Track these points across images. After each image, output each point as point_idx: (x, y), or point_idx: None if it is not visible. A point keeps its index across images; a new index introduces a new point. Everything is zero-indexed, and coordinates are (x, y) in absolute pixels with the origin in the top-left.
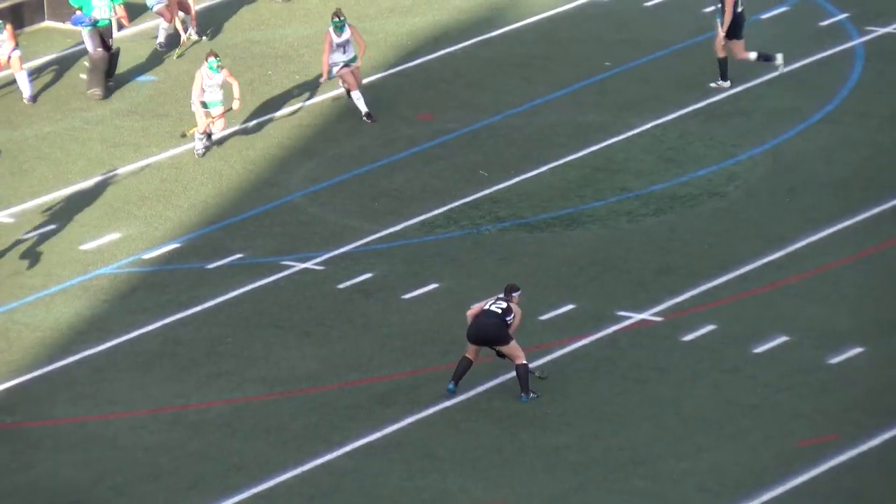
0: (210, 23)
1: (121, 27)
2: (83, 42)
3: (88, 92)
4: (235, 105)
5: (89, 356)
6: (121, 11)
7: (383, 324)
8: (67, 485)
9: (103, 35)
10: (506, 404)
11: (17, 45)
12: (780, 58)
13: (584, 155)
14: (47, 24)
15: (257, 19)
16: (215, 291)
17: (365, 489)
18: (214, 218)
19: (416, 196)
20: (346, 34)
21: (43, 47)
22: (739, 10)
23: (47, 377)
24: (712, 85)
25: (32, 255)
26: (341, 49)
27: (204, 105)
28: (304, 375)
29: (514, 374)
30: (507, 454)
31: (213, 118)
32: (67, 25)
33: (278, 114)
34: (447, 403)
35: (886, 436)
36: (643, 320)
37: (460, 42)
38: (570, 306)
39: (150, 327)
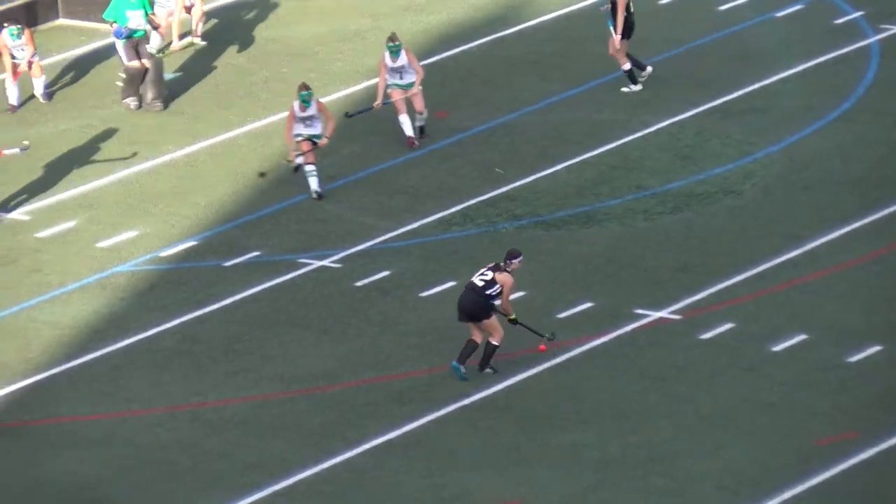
0: (226, 20)
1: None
2: (118, 54)
3: (123, 102)
4: (322, 142)
5: (107, 354)
6: (155, 19)
7: (400, 321)
8: (85, 482)
9: (139, 46)
10: (524, 402)
11: (35, 51)
12: (649, 69)
13: (601, 153)
14: (61, 21)
15: (273, 17)
16: (232, 289)
17: (384, 487)
18: (231, 216)
19: (432, 194)
20: (402, 59)
21: (57, 45)
22: (632, 10)
23: (65, 375)
24: (624, 90)
25: (50, 253)
26: (397, 74)
27: (298, 136)
28: (322, 373)
29: (531, 371)
30: (525, 452)
31: (304, 151)
32: (82, 23)
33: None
34: (465, 401)
35: None
36: (661, 318)
37: (475, 40)
38: (588, 304)
39: (168, 325)
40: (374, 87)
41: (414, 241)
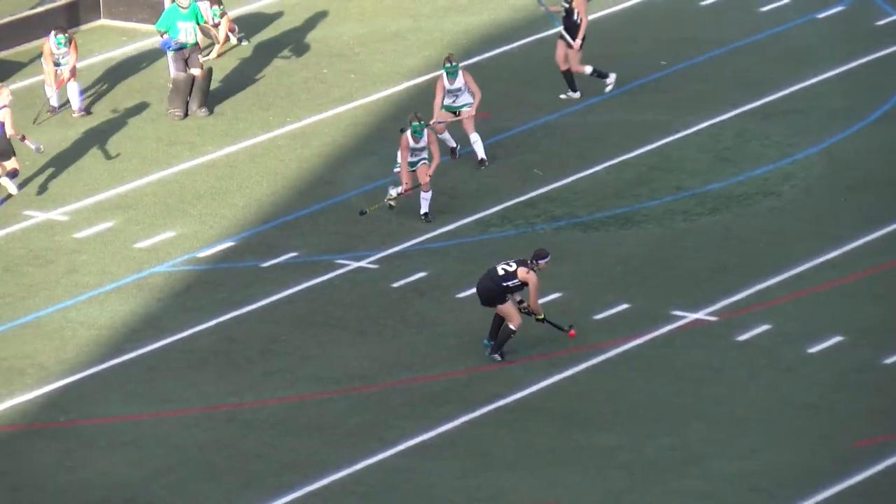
0: (266, 21)
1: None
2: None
3: (168, 112)
4: (425, 179)
5: (143, 354)
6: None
7: (437, 322)
8: (121, 483)
9: (189, 57)
10: (560, 404)
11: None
12: (613, 77)
13: (640, 154)
14: (103, 22)
15: (313, 18)
16: (270, 290)
17: (419, 488)
18: (269, 216)
19: (471, 195)
20: (459, 81)
21: (99, 45)
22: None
23: (101, 375)
24: (562, 97)
25: (87, 254)
26: (452, 96)
27: (410, 165)
28: (358, 374)
29: (567, 373)
30: (560, 453)
31: (405, 186)
32: (123, 23)
33: (333, 112)
34: (500, 403)
35: None
36: (698, 320)
37: (516, 40)
38: (625, 306)
39: (205, 325)
40: (414, 89)
41: (452, 242)
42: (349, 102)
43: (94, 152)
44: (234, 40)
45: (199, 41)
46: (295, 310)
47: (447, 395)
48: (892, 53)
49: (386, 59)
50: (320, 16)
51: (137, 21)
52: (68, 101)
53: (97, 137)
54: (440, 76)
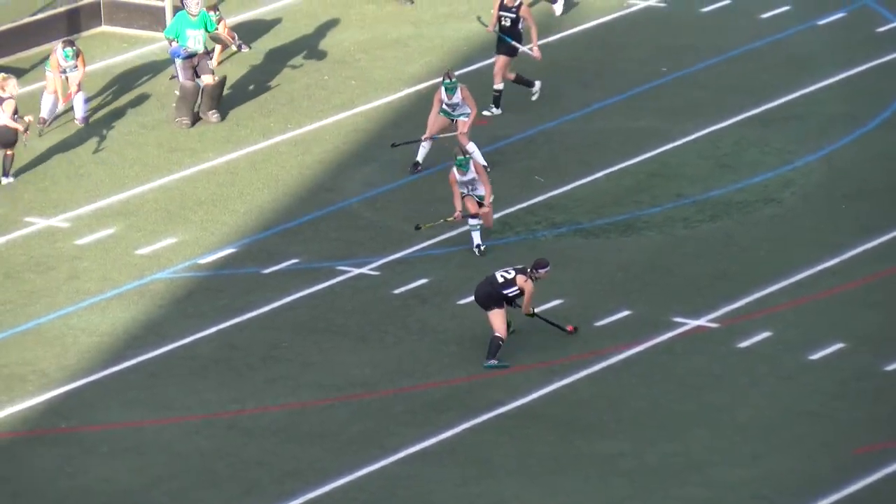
0: (267, 28)
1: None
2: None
3: (175, 120)
4: (486, 205)
5: (145, 361)
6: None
7: (439, 329)
8: (122, 490)
9: (198, 65)
10: (561, 411)
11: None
12: (538, 84)
13: (640, 161)
14: (104, 28)
15: (314, 24)
16: (271, 296)
17: (420, 495)
18: (270, 223)
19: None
20: (457, 97)
21: (100, 52)
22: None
23: (103, 382)
24: (485, 113)
25: (88, 260)
26: (450, 107)
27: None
28: (360, 381)
29: (568, 380)
30: (561, 461)
31: (455, 216)
32: (124, 30)
33: (334, 119)
34: (501, 410)
35: None
36: (699, 326)
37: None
38: (626, 312)
39: (206, 332)
40: (414, 95)
41: (453, 248)
42: (350, 109)
43: (96, 159)
44: (234, 47)
45: (208, 48)
46: (296, 316)
47: (448, 402)
48: (892, 60)
49: (387, 65)
50: (321, 22)
51: (138, 28)
52: (70, 110)
53: (98, 144)
54: (438, 89)
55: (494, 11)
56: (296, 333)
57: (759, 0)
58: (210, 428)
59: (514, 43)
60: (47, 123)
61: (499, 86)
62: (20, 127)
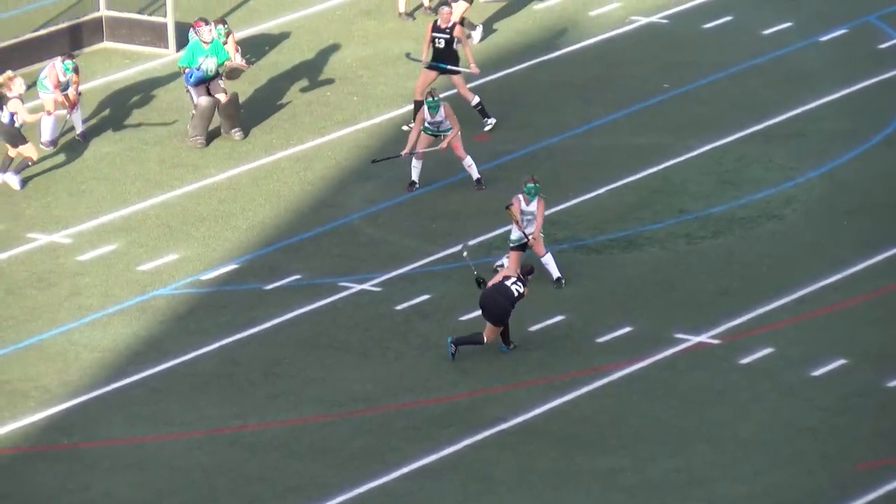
0: (268, 44)
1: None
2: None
3: (189, 139)
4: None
5: (147, 377)
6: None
7: (440, 345)
8: None
9: (210, 85)
10: (562, 427)
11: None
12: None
13: (642, 177)
14: (105, 44)
15: (316, 40)
16: (273, 312)
17: None
18: (272, 239)
19: (472, 217)
20: (441, 115)
21: (101, 68)
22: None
23: (105, 398)
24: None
25: (90, 276)
26: (434, 126)
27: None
28: (362, 396)
29: (570, 396)
30: (563, 476)
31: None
32: (126, 46)
33: (336, 135)
34: (503, 426)
35: None
36: (701, 343)
37: (518, 64)
38: (628, 328)
39: (208, 348)
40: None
41: (454, 264)
42: (352, 125)
43: (97, 175)
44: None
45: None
46: (298, 332)
47: (450, 418)
48: (894, 77)
49: (389, 81)
50: (323, 39)
51: (140, 44)
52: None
53: (100, 160)
54: (422, 108)
55: (427, 37)
56: (298, 349)
57: (760, 16)
58: (212, 443)
59: (451, 68)
60: (55, 144)
61: (474, 100)
62: (31, 119)
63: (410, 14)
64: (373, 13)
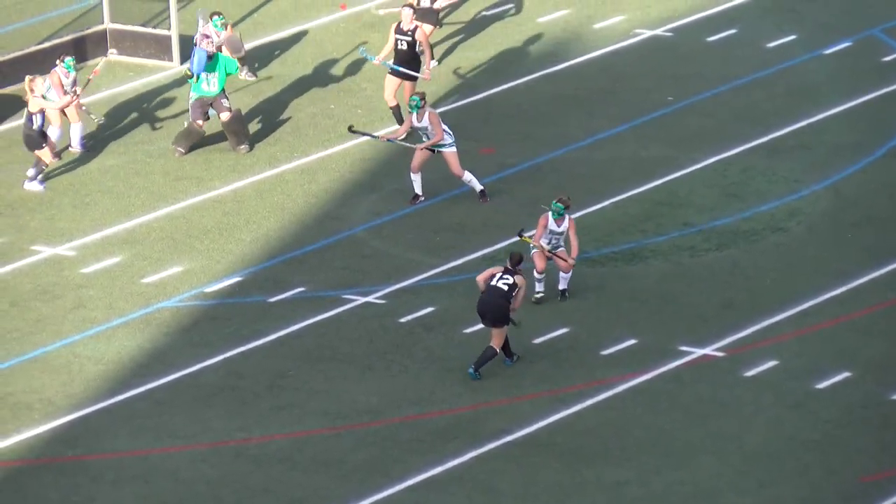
0: (273, 56)
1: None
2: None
3: (172, 145)
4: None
5: (151, 389)
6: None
7: (444, 358)
8: None
9: (214, 103)
10: (567, 439)
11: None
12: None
13: (646, 189)
14: (110, 57)
15: (320, 53)
16: (277, 325)
17: None
18: (276, 251)
19: (477, 230)
20: (425, 120)
21: (105, 81)
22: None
23: (109, 410)
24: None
25: (94, 289)
26: (424, 134)
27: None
28: (366, 409)
29: (575, 408)
30: (567, 489)
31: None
32: (130, 58)
33: (340, 148)
34: (508, 438)
35: None
36: (705, 355)
37: (523, 76)
38: (632, 341)
39: (212, 360)
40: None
41: (459, 277)
42: (356, 138)
43: (102, 187)
44: (244, 76)
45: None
46: (302, 345)
47: (454, 430)
48: None
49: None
50: (327, 51)
51: (144, 56)
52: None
53: (104, 173)
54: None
55: (390, 39)
56: (302, 362)
57: (765, 29)
58: (216, 456)
59: (408, 72)
60: (86, 147)
61: (392, 103)
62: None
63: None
64: (377, 26)
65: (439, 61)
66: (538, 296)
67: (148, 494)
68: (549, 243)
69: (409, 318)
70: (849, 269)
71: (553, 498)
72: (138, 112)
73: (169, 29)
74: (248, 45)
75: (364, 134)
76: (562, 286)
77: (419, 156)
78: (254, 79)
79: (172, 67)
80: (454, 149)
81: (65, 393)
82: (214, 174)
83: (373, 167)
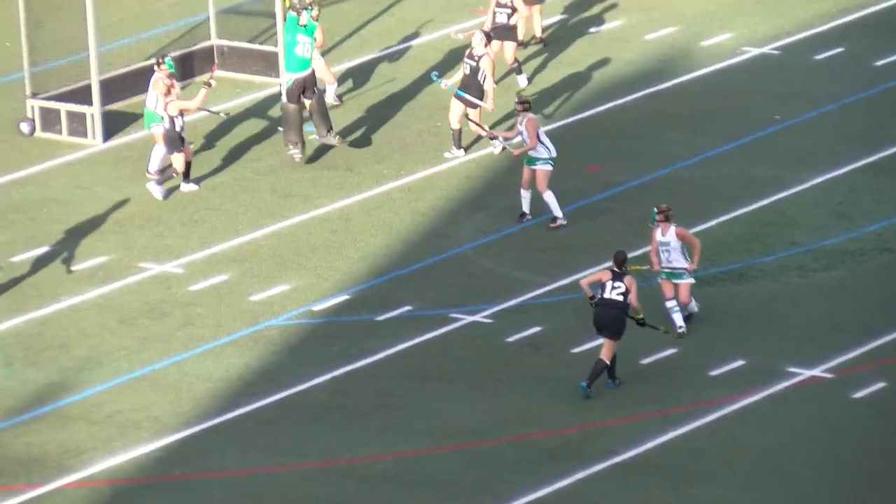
0: (377, 74)
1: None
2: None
3: (286, 149)
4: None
5: (259, 408)
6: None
7: (552, 377)
8: None
9: (305, 83)
10: (676, 460)
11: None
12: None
13: (753, 209)
14: (217, 73)
15: (425, 70)
16: (384, 343)
17: None
18: (383, 270)
19: (584, 249)
20: (522, 127)
21: (212, 97)
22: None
23: (218, 428)
24: (447, 155)
25: (203, 306)
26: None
27: (669, 276)
28: (473, 428)
29: (683, 429)
30: None
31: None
32: (237, 75)
33: (447, 166)
34: (617, 459)
35: None
36: (813, 376)
37: (629, 94)
38: (740, 362)
39: (320, 379)
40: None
41: (566, 296)
42: (462, 156)
43: (209, 204)
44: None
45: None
46: (409, 364)
47: (562, 451)
48: None
49: (498, 111)
50: (433, 68)
51: (251, 73)
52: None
53: (212, 190)
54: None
55: (462, 63)
56: (409, 381)
57: (872, 47)
58: (324, 475)
59: (471, 99)
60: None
61: (456, 126)
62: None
63: (523, 42)
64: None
65: (530, 80)
66: (680, 330)
67: None
68: (665, 257)
69: (517, 337)
70: None
71: None
72: (245, 129)
73: (275, 45)
74: (354, 62)
75: (479, 125)
76: (678, 323)
77: (527, 173)
78: (339, 103)
79: (279, 83)
80: (549, 167)
81: (173, 411)
82: (322, 192)
83: (479, 185)
